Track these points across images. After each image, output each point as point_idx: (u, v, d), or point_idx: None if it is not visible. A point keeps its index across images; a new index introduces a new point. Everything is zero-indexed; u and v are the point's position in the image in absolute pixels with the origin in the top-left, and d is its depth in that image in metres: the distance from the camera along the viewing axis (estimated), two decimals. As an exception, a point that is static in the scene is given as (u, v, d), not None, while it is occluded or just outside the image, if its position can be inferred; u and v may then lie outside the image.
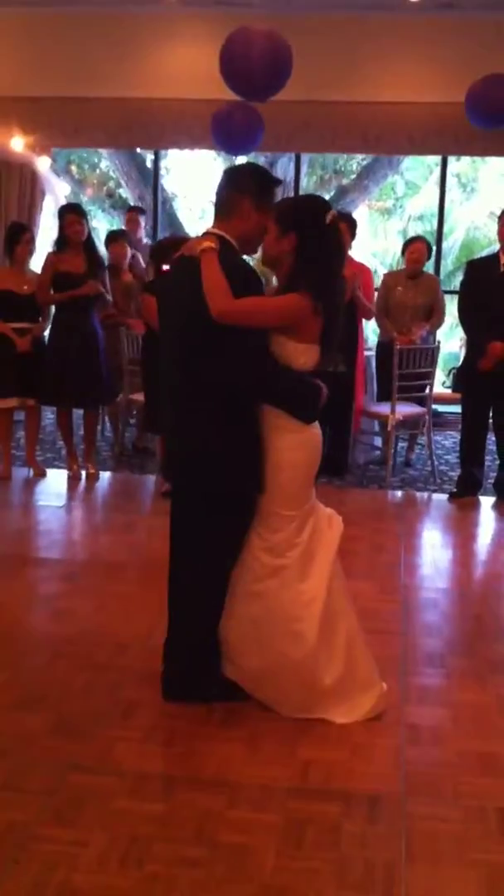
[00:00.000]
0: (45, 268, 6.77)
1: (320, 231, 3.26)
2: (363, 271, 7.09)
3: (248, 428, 3.34)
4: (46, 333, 6.95)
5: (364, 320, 7.35)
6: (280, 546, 3.38)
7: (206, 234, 3.31)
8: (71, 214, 6.78)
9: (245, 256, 3.48)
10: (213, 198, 3.43)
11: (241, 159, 10.71)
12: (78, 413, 7.08)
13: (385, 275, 7.86)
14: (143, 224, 8.80)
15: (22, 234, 6.80)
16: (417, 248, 7.41)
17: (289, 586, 3.37)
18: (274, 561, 3.39)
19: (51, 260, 6.73)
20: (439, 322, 7.50)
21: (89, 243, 6.83)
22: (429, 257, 7.53)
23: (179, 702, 3.56)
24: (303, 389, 3.34)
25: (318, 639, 3.36)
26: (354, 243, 7.22)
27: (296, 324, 3.24)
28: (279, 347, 3.28)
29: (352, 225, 7.03)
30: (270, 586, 3.38)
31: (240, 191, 3.31)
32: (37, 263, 7.01)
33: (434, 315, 7.38)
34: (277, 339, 3.27)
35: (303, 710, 3.45)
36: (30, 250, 6.85)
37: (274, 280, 3.76)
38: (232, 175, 3.41)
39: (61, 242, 6.78)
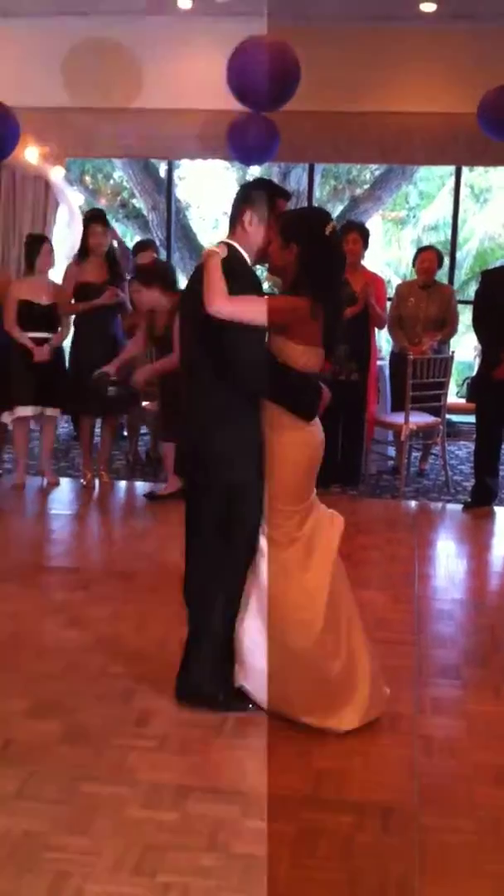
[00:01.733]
0: (66, 278, 6.80)
1: (320, 242, 3.41)
2: (376, 281, 7.09)
3: (251, 424, 3.45)
4: (67, 342, 6.98)
5: (377, 329, 7.34)
6: (282, 540, 3.45)
7: (219, 243, 3.47)
8: (96, 224, 6.80)
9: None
10: (227, 207, 3.63)
11: (254, 169, 10.76)
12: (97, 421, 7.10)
13: (398, 285, 7.86)
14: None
15: (42, 245, 6.83)
16: (428, 258, 7.41)
17: (292, 577, 3.43)
18: (277, 554, 3.45)
19: (73, 270, 6.77)
20: (452, 332, 7.49)
21: (110, 253, 6.85)
22: (440, 266, 7.51)
23: (190, 704, 3.57)
24: (303, 388, 3.45)
25: (323, 628, 3.39)
26: (367, 253, 7.23)
27: (292, 325, 3.36)
28: (279, 349, 3.40)
29: (364, 235, 7.04)
30: (275, 579, 3.44)
31: (242, 204, 3.50)
32: (54, 273, 7.04)
33: (447, 325, 7.38)
34: (277, 340, 3.40)
35: (313, 708, 3.44)
36: (50, 261, 6.88)
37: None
38: (240, 190, 3.61)
39: (83, 252, 6.81)
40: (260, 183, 3.75)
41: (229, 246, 3.44)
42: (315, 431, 3.51)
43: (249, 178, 13.43)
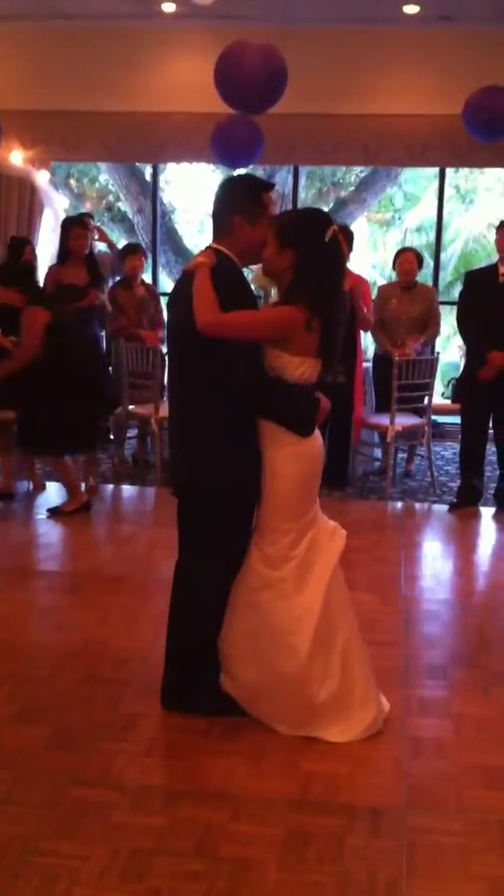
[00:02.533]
0: (47, 281, 6.78)
1: (319, 248, 3.24)
2: (360, 282, 7.10)
3: (245, 438, 3.36)
4: None
5: (362, 332, 7.34)
6: (276, 558, 3.38)
7: (206, 249, 3.36)
8: (76, 227, 6.80)
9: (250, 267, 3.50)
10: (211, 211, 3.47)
11: (240, 172, 10.76)
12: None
13: (379, 287, 7.86)
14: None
15: (24, 248, 6.83)
16: (407, 259, 7.42)
17: (284, 598, 3.37)
18: (270, 573, 3.39)
19: (53, 273, 6.75)
20: (435, 333, 7.49)
21: (91, 255, 6.85)
22: (421, 267, 7.51)
23: (176, 712, 3.56)
24: (297, 402, 3.34)
25: (311, 653, 3.34)
26: (352, 255, 7.23)
27: (288, 337, 3.24)
28: (274, 360, 3.29)
29: (349, 237, 7.05)
30: (266, 598, 3.38)
31: (229, 208, 3.35)
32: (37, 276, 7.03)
33: (429, 326, 7.38)
34: (272, 351, 3.28)
35: (296, 726, 3.43)
36: (32, 264, 6.87)
37: (274, 292, 3.76)
38: (221, 192, 3.43)
39: (64, 255, 6.80)
40: (241, 180, 3.59)
41: (217, 252, 3.32)
42: (313, 446, 3.40)
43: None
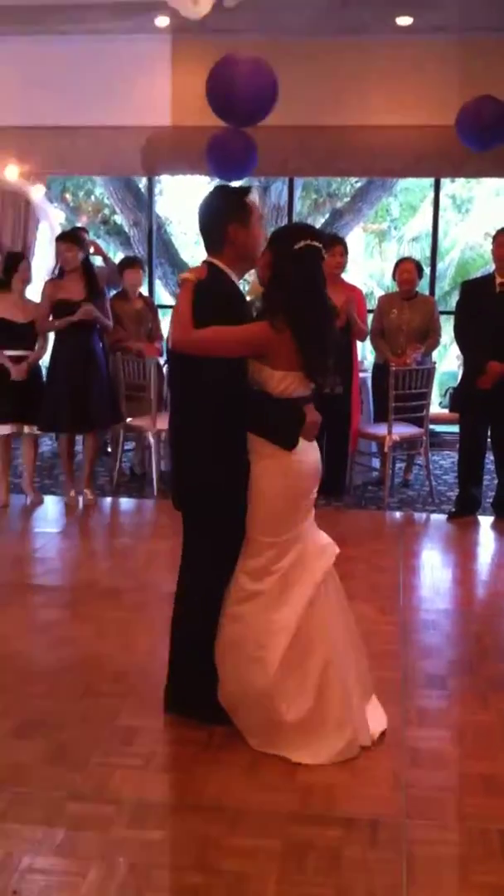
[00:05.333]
0: (43, 296, 6.80)
1: (288, 256, 3.31)
2: (354, 293, 7.12)
3: (236, 449, 3.37)
4: (46, 359, 6.97)
5: (359, 342, 7.35)
6: (258, 571, 3.38)
7: (201, 264, 3.42)
8: (60, 243, 6.85)
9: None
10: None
11: (234, 184, 10.79)
12: (79, 438, 7.09)
13: (380, 297, 7.88)
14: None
15: (19, 263, 6.84)
16: (407, 269, 7.43)
17: (262, 613, 3.36)
18: (252, 586, 3.38)
19: (49, 288, 6.77)
20: (435, 344, 7.50)
21: (88, 269, 6.85)
22: (420, 277, 7.54)
23: (178, 715, 3.58)
24: (279, 414, 3.35)
25: (281, 669, 3.30)
26: (349, 266, 7.25)
27: (264, 352, 3.27)
28: (257, 374, 3.32)
29: (343, 247, 7.07)
30: (246, 611, 3.38)
31: (220, 220, 3.41)
32: (32, 291, 7.03)
33: (430, 337, 7.39)
34: (255, 365, 3.32)
35: (266, 742, 3.39)
36: (26, 279, 6.87)
37: None
38: (205, 208, 3.48)
39: (60, 270, 6.85)
40: (220, 191, 3.61)
41: (211, 266, 3.37)
42: (298, 460, 3.37)
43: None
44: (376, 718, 3.57)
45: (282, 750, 3.36)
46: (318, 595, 3.38)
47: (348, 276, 7.29)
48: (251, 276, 3.80)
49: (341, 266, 7.00)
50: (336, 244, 6.91)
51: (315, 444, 3.50)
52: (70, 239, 6.87)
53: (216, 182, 11.44)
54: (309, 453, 3.43)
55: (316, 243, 3.34)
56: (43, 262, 8.73)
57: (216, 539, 3.45)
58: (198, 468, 3.40)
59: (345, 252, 7.01)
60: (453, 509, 6.72)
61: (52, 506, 6.90)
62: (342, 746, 3.34)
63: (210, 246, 3.45)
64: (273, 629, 3.33)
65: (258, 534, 3.38)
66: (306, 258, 3.32)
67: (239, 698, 3.42)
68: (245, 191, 3.57)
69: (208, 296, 3.29)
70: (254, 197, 3.58)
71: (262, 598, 3.36)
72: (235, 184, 9.13)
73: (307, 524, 3.47)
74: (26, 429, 6.83)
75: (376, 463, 7.84)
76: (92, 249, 7.79)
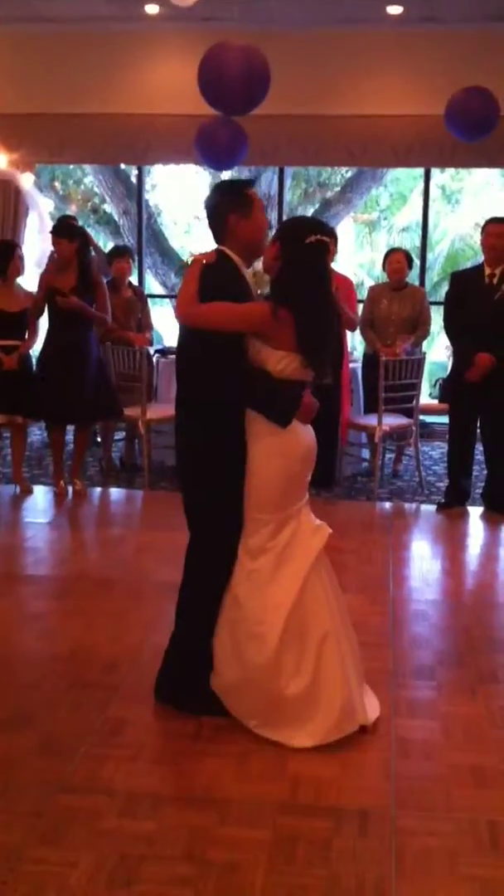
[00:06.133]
0: (39, 286, 6.77)
1: (299, 248, 3.37)
2: (344, 283, 7.11)
3: (229, 432, 3.43)
4: (36, 350, 6.95)
5: (349, 332, 7.35)
6: (255, 549, 3.43)
7: (213, 251, 3.50)
8: (52, 235, 6.83)
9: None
10: (198, 212, 3.60)
11: (225, 174, 10.76)
12: (70, 429, 7.08)
13: (370, 288, 7.87)
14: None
15: (13, 252, 6.80)
16: (397, 259, 7.43)
17: (259, 590, 3.40)
18: (250, 564, 3.44)
19: (45, 278, 6.74)
20: (424, 334, 7.50)
21: (82, 261, 6.79)
22: (410, 268, 7.53)
23: (166, 704, 3.60)
24: (278, 391, 3.39)
25: (280, 644, 3.34)
26: (338, 256, 7.23)
27: (264, 331, 3.34)
28: (256, 354, 3.38)
29: (333, 238, 7.04)
30: (245, 590, 3.43)
31: (221, 211, 3.50)
32: (24, 280, 7.00)
33: (419, 327, 7.39)
34: (254, 345, 3.38)
35: (265, 722, 3.42)
36: (20, 268, 6.84)
37: None
38: (209, 201, 3.57)
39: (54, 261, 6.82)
40: (222, 184, 3.71)
41: (220, 253, 3.46)
42: (296, 441, 3.44)
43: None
44: (371, 705, 3.60)
45: (280, 731, 3.39)
46: (314, 571, 3.43)
47: (338, 266, 7.27)
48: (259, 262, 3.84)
49: (332, 256, 6.98)
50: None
51: (311, 427, 3.55)
52: (60, 232, 6.83)
53: (206, 171, 11.43)
54: (305, 435, 3.49)
55: (325, 238, 3.43)
56: (32, 250, 8.68)
57: (217, 525, 3.48)
58: (199, 452, 3.49)
59: (335, 243, 6.99)
60: (443, 500, 6.73)
61: (41, 496, 6.89)
62: (330, 724, 3.37)
63: (216, 238, 3.54)
64: (270, 605, 3.37)
65: (255, 511, 3.43)
66: (316, 253, 3.41)
67: (238, 679, 3.44)
68: (246, 183, 3.67)
69: (213, 275, 3.37)
70: (255, 190, 3.62)
71: (257, 575, 3.41)
72: (226, 174, 9.19)
73: (302, 504, 3.51)
74: (18, 419, 6.81)
75: (366, 454, 7.85)
76: None
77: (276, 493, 3.42)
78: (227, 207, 3.47)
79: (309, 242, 3.37)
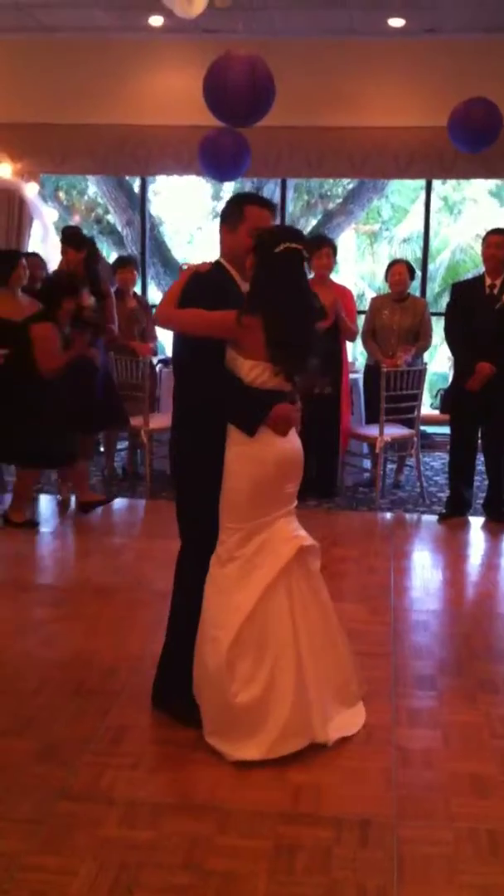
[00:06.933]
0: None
1: (268, 257, 3.37)
2: (344, 293, 7.13)
3: (215, 438, 3.45)
4: None
5: (349, 342, 7.36)
6: (223, 557, 3.44)
7: (212, 262, 3.56)
8: (61, 244, 6.86)
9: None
10: (201, 223, 3.67)
11: (227, 185, 10.80)
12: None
13: (372, 299, 7.89)
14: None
15: (17, 261, 6.81)
16: (399, 271, 7.45)
17: (222, 595, 3.41)
18: (215, 570, 3.45)
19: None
20: (426, 345, 7.51)
21: (91, 270, 6.80)
22: (412, 279, 7.55)
23: (163, 713, 3.61)
24: (244, 400, 3.41)
25: (232, 649, 3.32)
26: (341, 267, 7.27)
27: (232, 338, 3.38)
28: (230, 361, 3.43)
29: (333, 249, 7.08)
30: (209, 594, 3.45)
31: (219, 223, 3.62)
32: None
33: (421, 338, 7.40)
34: (230, 353, 3.42)
35: (214, 732, 3.40)
36: (24, 277, 6.85)
37: None
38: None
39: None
40: (234, 196, 3.76)
41: (216, 264, 3.51)
42: (269, 450, 3.41)
43: (223, 193, 13.49)
44: (345, 721, 3.56)
45: (227, 739, 3.36)
46: (280, 582, 3.40)
47: (340, 277, 7.30)
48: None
49: (329, 267, 7.02)
50: (324, 245, 6.93)
51: (293, 437, 3.52)
52: (67, 241, 6.86)
53: (208, 182, 11.45)
54: (281, 444, 3.44)
55: (295, 245, 3.39)
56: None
57: (203, 529, 3.50)
58: (187, 459, 3.56)
59: (333, 253, 7.03)
60: (444, 510, 6.73)
61: (44, 505, 6.89)
62: (281, 732, 3.32)
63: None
64: (229, 609, 3.37)
65: (225, 519, 3.45)
66: (285, 260, 3.38)
67: (199, 683, 3.45)
68: (249, 198, 3.65)
69: (198, 283, 3.44)
70: (260, 210, 3.53)
71: (223, 581, 3.42)
72: (228, 184, 9.17)
73: (280, 516, 3.48)
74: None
75: (368, 464, 7.85)
76: None
77: (245, 502, 3.41)
78: (222, 218, 3.57)
79: (278, 251, 3.36)
